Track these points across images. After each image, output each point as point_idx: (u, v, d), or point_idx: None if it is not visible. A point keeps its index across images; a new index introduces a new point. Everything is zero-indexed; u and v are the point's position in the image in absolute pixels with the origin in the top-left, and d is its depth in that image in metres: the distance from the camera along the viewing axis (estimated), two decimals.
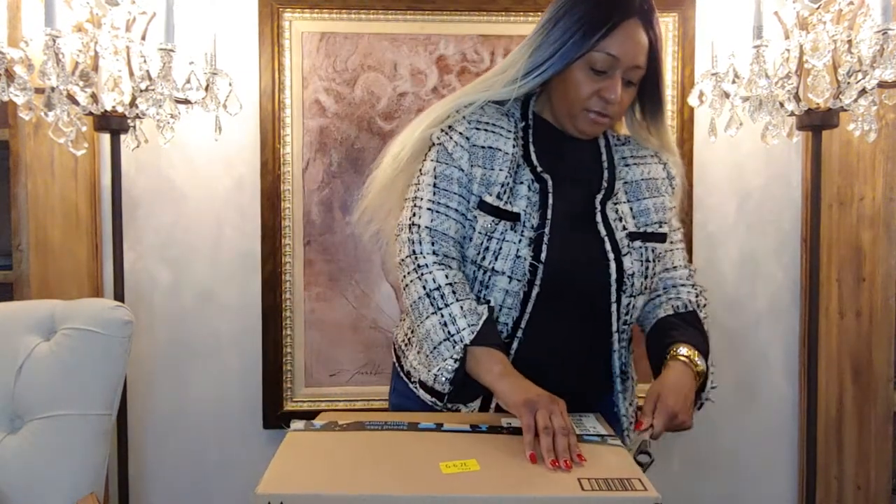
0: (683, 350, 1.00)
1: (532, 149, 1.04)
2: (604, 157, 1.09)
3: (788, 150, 1.85)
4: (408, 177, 1.09)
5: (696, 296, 1.11)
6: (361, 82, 1.77)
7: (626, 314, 1.05)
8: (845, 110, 1.46)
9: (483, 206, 1.00)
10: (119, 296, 1.57)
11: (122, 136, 1.55)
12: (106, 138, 1.69)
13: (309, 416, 1.69)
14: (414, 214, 1.02)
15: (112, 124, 1.49)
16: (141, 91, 1.46)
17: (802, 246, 1.87)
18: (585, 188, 1.06)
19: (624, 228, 1.03)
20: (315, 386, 1.80)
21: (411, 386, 1.10)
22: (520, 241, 0.98)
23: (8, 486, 1.12)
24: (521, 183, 1.01)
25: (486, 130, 1.02)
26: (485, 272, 1.01)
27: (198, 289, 1.80)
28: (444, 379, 0.94)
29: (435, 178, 1.02)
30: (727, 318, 1.88)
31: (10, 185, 1.56)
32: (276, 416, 1.78)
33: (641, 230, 1.04)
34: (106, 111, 1.46)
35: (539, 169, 1.02)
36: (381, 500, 0.74)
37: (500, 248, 0.98)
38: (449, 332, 0.94)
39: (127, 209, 1.70)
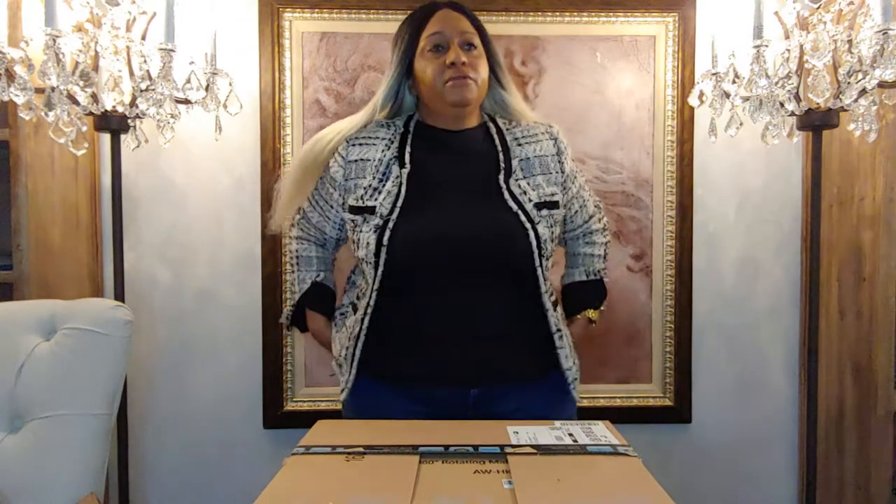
0: (588, 313, 1.33)
1: (408, 150, 1.18)
2: (496, 140, 1.22)
3: (788, 150, 1.85)
4: (307, 182, 1.30)
5: (606, 242, 1.37)
6: (361, 82, 1.77)
7: (545, 277, 1.18)
8: (845, 110, 1.46)
9: (349, 209, 1.18)
10: (119, 296, 1.57)
11: (122, 136, 1.55)
12: (106, 138, 1.69)
13: (309, 416, 1.70)
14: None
15: (112, 124, 1.49)
16: (141, 91, 1.46)
17: (802, 246, 1.87)
18: (483, 169, 1.19)
19: (530, 200, 1.16)
20: (315, 386, 1.80)
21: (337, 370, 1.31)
22: (370, 230, 1.13)
23: (8, 486, 1.12)
24: (389, 180, 1.16)
25: (359, 145, 1.20)
26: (357, 261, 1.19)
27: (198, 289, 1.80)
28: (286, 313, 1.39)
29: (319, 181, 1.26)
30: (727, 318, 1.88)
31: (10, 184, 1.56)
32: (276, 416, 1.78)
33: (543, 200, 1.18)
34: (106, 111, 1.46)
35: (407, 166, 1.17)
36: None
37: (359, 239, 1.15)
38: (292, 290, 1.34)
39: (127, 209, 1.70)
